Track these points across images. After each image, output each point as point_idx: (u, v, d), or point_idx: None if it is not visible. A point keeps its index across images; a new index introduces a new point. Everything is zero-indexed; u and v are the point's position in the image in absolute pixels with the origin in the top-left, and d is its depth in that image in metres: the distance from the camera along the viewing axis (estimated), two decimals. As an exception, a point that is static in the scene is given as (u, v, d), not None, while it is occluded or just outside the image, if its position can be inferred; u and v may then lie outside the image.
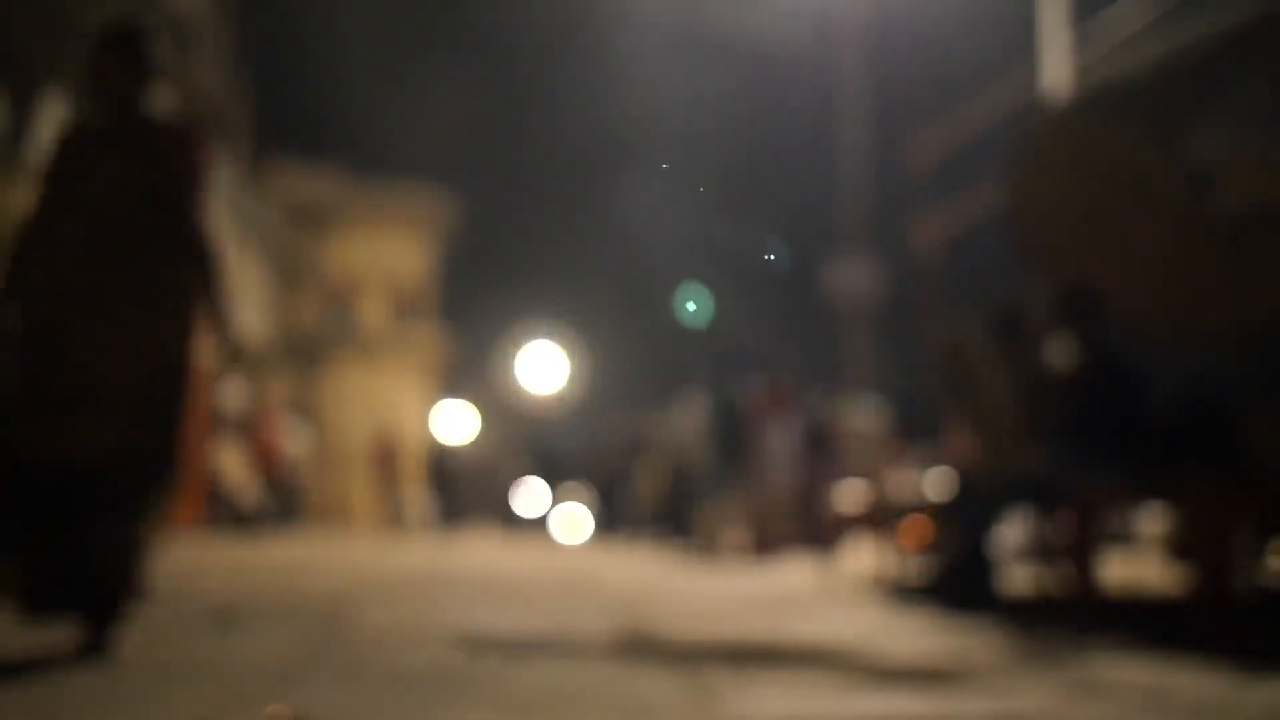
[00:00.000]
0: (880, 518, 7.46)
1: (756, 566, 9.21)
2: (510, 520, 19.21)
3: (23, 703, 2.47)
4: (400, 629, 3.92)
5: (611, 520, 17.31)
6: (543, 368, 47.76)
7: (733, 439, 11.58)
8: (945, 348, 5.27)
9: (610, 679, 2.88)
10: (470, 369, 51.72)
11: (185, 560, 8.21)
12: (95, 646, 3.09)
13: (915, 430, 22.88)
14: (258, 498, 17.16)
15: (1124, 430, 5.17)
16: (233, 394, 18.65)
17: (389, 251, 53.05)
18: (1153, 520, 10.16)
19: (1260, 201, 5.25)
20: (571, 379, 43.74)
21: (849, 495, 9.47)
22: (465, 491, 18.42)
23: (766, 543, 11.12)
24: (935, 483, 6.77)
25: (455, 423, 43.16)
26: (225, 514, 16.21)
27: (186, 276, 3.27)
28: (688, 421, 13.26)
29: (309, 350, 51.81)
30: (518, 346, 50.19)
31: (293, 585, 5.90)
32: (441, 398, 53.22)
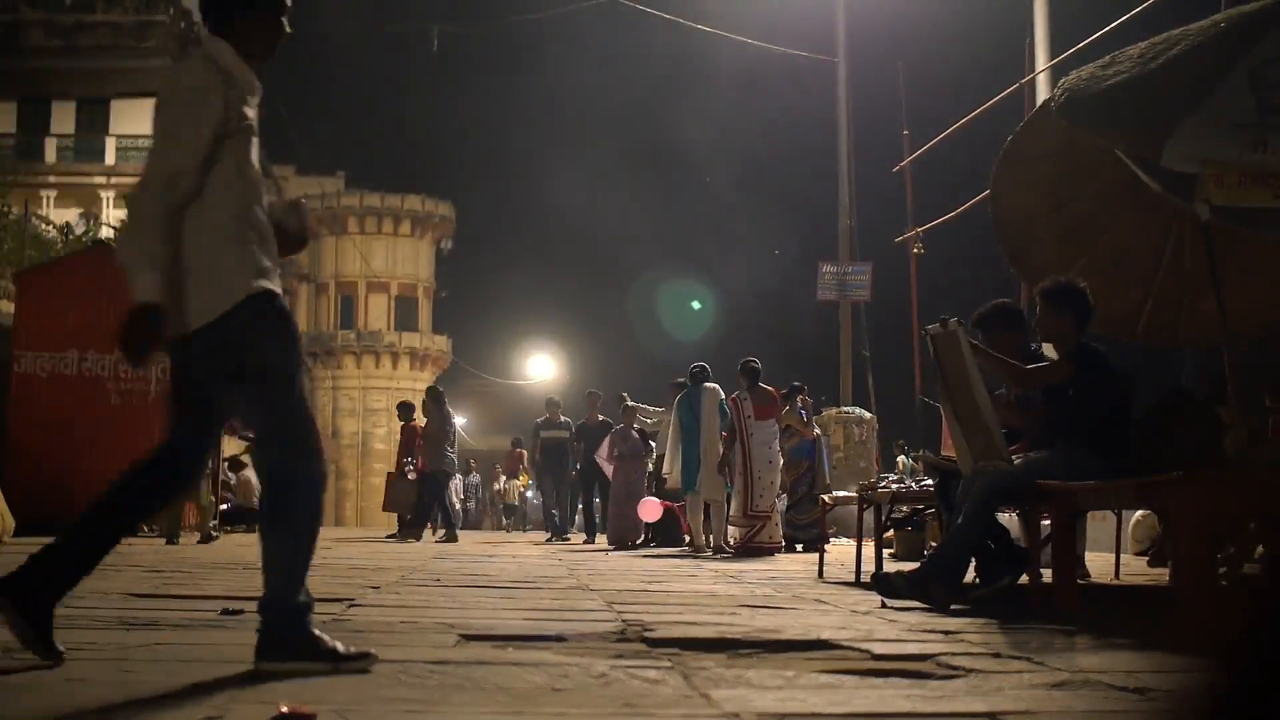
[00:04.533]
0: (868, 514, 7.53)
1: (746, 562, 9.28)
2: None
3: (31, 693, 2.55)
4: (400, 624, 3.99)
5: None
6: (539, 367, 47.58)
7: (696, 447, 11.67)
8: (934, 346, 5.34)
9: (604, 672, 2.96)
10: (469, 370, 51.62)
11: (194, 556, 8.29)
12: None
13: (908, 430, 22.86)
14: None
15: (1109, 429, 5.24)
16: None
17: (392, 257, 53.08)
18: (1136, 519, 10.23)
19: (1238, 205, 5.32)
20: (566, 377, 43.74)
21: (835, 494, 9.54)
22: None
23: (755, 539, 11.21)
24: (923, 480, 6.85)
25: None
26: (235, 511, 16.29)
27: None
28: (664, 427, 13.34)
29: (314, 352, 51.77)
30: (516, 348, 50.04)
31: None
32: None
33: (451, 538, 15.06)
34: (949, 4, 23.29)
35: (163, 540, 11.31)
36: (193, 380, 3.19)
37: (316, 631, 2.99)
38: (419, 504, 15.62)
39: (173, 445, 3.29)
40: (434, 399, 15.66)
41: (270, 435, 3.13)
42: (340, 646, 2.97)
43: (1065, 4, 14.28)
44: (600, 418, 15.62)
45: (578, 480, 16.11)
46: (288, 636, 2.94)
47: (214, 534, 11.66)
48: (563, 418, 16.28)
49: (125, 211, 3.13)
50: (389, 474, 17.17)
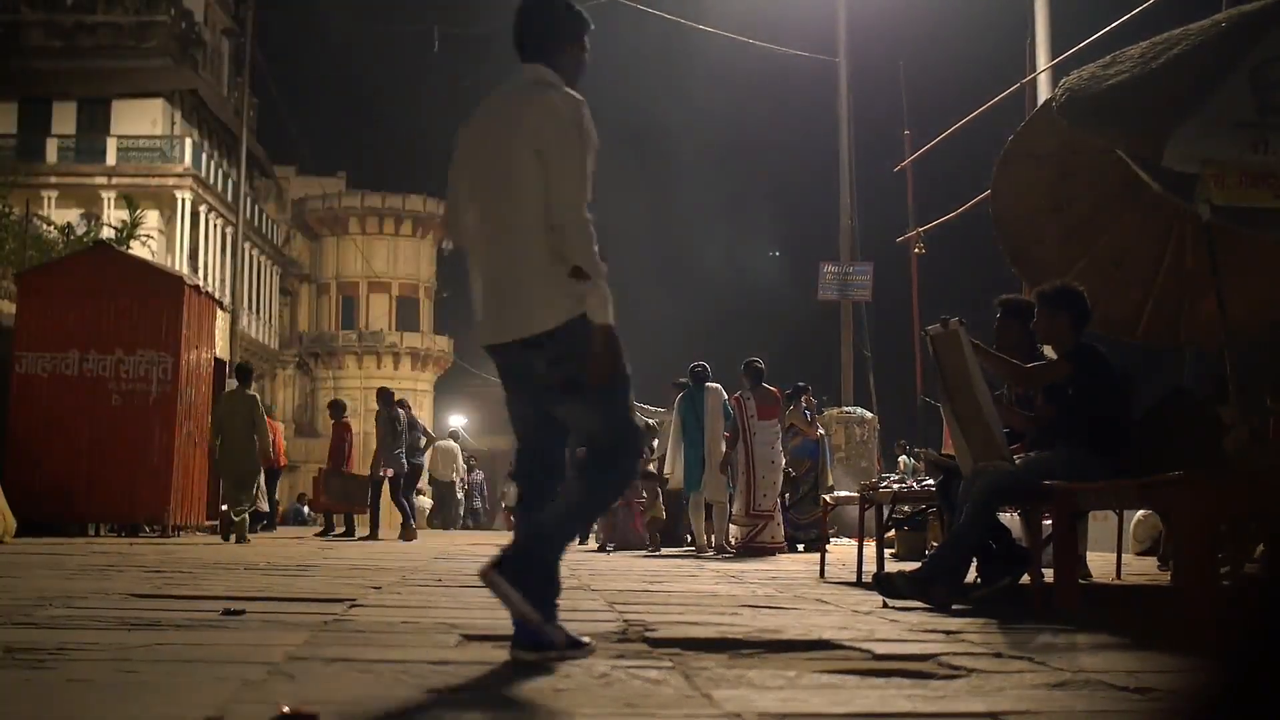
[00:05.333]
0: (869, 514, 7.53)
1: (747, 563, 9.29)
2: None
3: (32, 695, 2.55)
4: (401, 624, 4.00)
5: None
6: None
7: (699, 447, 11.65)
8: (935, 346, 5.34)
9: (605, 672, 2.96)
10: (470, 370, 51.72)
11: (196, 556, 8.29)
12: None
13: (909, 430, 22.84)
14: (265, 496, 17.21)
15: (1108, 429, 5.24)
16: None
17: (394, 257, 53.06)
18: (1137, 518, 10.23)
19: (1239, 205, 5.32)
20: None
21: (836, 494, 9.54)
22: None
23: (757, 539, 11.21)
24: (925, 480, 6.85)
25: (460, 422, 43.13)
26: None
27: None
28: (667, 427, 13.30)
29: (315, 352, 51.75)
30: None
31: (300, 581, 5.97)
32: (442, 397, 53.08)
33: (409, 535, 15.03)
34: (950, 4, 23.31)
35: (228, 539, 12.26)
36: (527, 383, 3.38)
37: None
38: (373, 502, 15.74)
39: (527, 451, 3.51)
40: (380, 400, 15.81)
41: (601, 435, 3.34)
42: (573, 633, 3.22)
43: (1066, 4, 14.28)
44: None
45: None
46: (527, 577, 3.22)
47: (231, 535, 12.30)
48: None
49: (566, 233, 3.25)
50: (320, 470, 16.74)
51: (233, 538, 12.15)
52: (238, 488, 12.50)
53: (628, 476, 3.46)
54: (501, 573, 3.23)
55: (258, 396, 13.20)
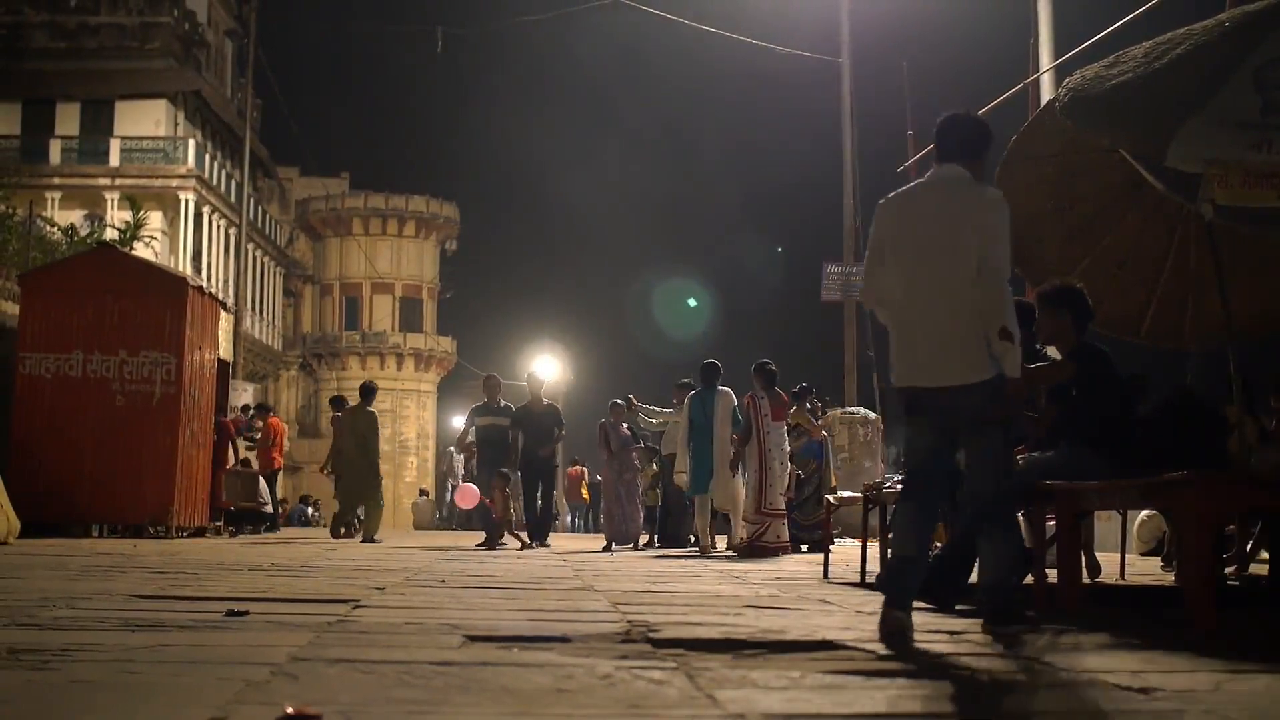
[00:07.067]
0: (872, 515, 7.52)
1: (751, 563, 9.28)
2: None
3: (39, 693, 2.55)
4: (405, 624, 4.00)
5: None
6: (544, 367, 47.66)
7: (707, 447, 11.63)
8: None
9: (609, 673, 2.96)
10: (473, 370, 51.69)
11: (198, 556, 8.30)
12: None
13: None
14: (268, 495, 17.23)
15: (1110, 429, 5.24)
16: (244, 396, 18.77)
17: (397, 258, 53.06)
18: (1141, 518, 10.22)
19: (1241, 205, 5.31)
20: (572, 377, 43.79)
21: (840, 494, 9.53)
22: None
23: (762, 539, 11.20)
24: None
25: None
26: (238, 512, 16.33)
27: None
28: (674, 426, 13.26)
29: (319, 353, 51.75)
30: (520, 348, 50.08)
31: (304, 582, 5.98)
32: (445, 398, 52.95)
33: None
34: (953, 4, 23.31)
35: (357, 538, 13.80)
36: (938, 419, 4.09)
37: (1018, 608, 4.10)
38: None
39: (920, 473, 4.20)
40: (335, 407, 16.56)
41: (987, 465, 4.10)
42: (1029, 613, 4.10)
43: (1069, 4, 14.27)
44: (546, 402, 13.85)
45: (520, 474, 13.55)
46: (1005, 610, 4.02)
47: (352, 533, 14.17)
48: (503, 401, 13.96)
49: (1000, 302, 3.98)
50: (225, 469, 16.00)
51: (356, 535, 13.92)
52: (351, 496, 13.95)
53: (1010, 510, 4.38)
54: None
55: (376, 414, 14.27)
